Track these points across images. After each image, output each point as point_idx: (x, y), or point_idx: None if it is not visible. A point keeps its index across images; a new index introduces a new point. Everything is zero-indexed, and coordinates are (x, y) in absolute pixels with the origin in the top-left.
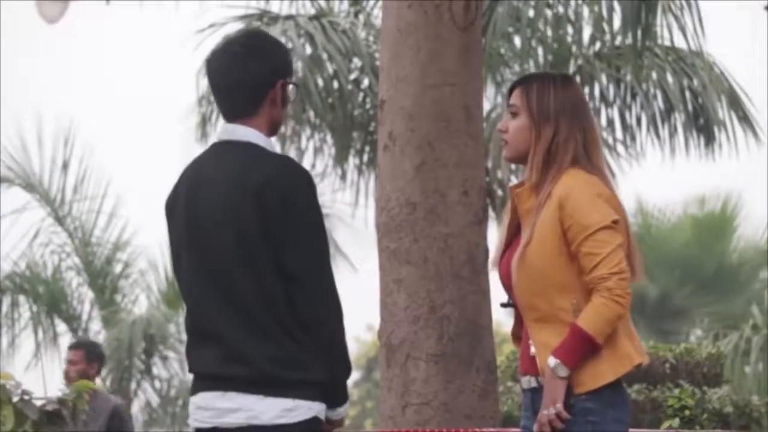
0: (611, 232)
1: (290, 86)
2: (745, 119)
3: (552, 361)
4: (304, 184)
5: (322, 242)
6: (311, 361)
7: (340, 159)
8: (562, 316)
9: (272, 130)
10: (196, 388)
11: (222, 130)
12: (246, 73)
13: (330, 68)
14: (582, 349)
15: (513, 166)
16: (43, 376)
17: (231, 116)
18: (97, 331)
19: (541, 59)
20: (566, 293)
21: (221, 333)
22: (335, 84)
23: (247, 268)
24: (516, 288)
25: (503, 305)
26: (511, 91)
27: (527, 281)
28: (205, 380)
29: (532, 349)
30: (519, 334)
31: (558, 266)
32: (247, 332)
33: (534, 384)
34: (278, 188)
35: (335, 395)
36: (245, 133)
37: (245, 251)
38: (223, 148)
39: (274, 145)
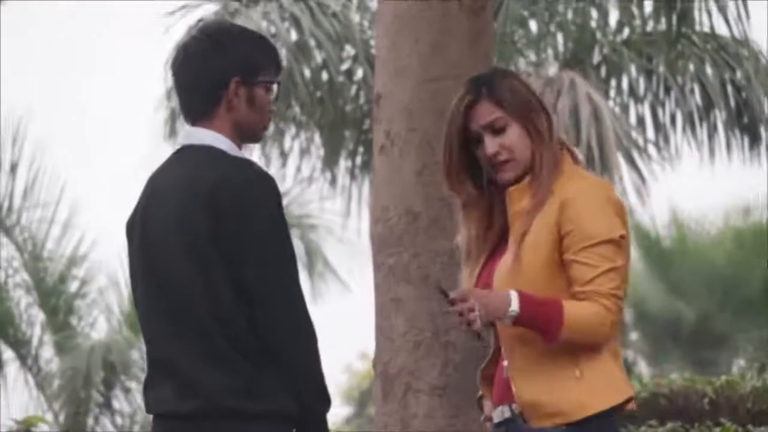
0: (616, 248)
1: (259, 86)
2: None
3: (513, 295)
4: (264, 187)
5: (284, 255)
6: (278, 390)
7: (330, 161)
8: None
9: (241, 134)
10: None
11: (181, 134)
12: (197, 71)
13: (318, 57)
14: (543, 320)
15: None
16: None
17: (189, 118)
18: (48, 359)
19: (560, 47)
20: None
21: (176, 364)
22: (324, 75)
23: (202, 288)
24: None
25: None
26: (468, 115)
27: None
28: (161, 419)
29: (505, 372)
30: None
31: (547, 276)
32: (204, 361)
33: (507, 414)
34: (231, 191)
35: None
36: (203, 136)
37: (199, 269)
38: (180, 153)
39: (237, 150)
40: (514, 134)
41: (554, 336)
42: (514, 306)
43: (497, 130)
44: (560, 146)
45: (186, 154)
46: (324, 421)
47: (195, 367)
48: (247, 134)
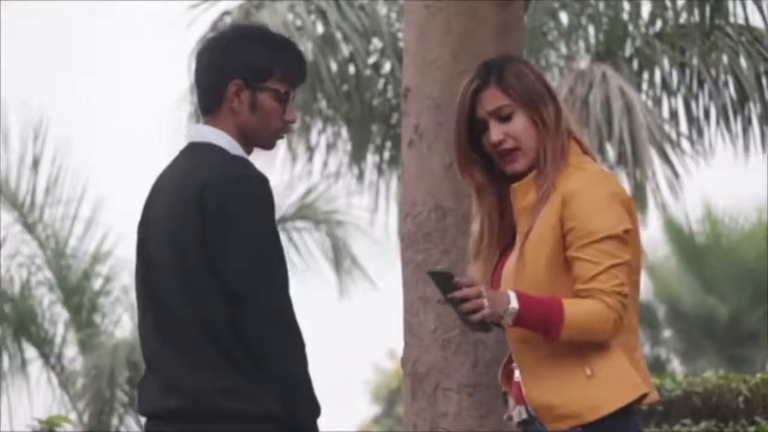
0: (620, 244)
1: (265, 92)
2: None
3: (514, 299)
4: (252, 187)
5: (270, 257)
6: (263, 391)
7: (357, 156)
8: None
9: (245, 138)
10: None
11: (188, 131)
12: (204, 69)
13: (345, 50)
14: (542, 319)
15: None
16: (9, 410)
17: (201, 115)
18: (72, 358)
19: (591, 39)
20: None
21: (164, 365)
22: (351, 69)
23: (187, 288)
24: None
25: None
26: (474, 102)
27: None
28: (148, 419)
29: (516, 373)
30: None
31: (552, 275)
32: (188, 363)
33: (525, 415)
34: (218, 190)
35: None
36: (206, 133)
37: (185, 268)
38: (185, 151)
39: (239, 149)
40: (520, 123)
41: (555, 335)
42: (513, 303)
43: (503, 118)
44: (568, 136)
45: (188, 153)
46: (313, 429)
47: (179, 366)
48: (250, 139)
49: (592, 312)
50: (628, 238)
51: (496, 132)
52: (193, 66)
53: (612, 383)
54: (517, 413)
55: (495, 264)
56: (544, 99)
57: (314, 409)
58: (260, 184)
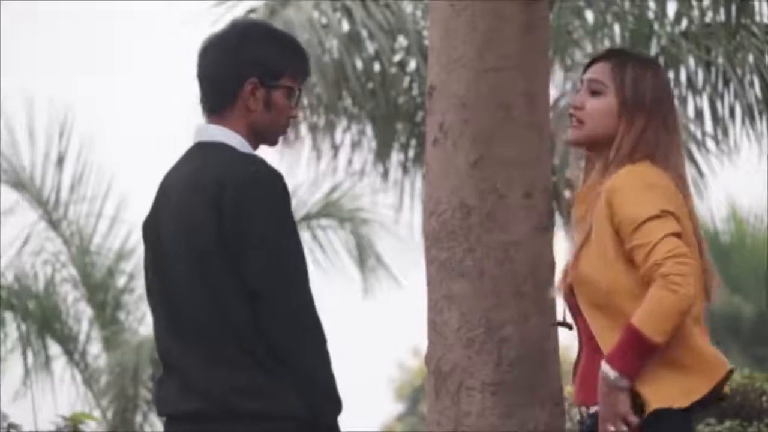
0: (661, 221)
1: (279, 89)
2: None
3: (605, 367)
4: (269, 185)
5: (290, 254)
6: (284, 390)
7: (382, 154)
8: None
9: (255, 135)
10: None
11: (195, 130)
12: (216, 67)
13: (371, 48)
14: (638, 351)
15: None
16: (33, 407)
17: (206, 113)
18: (96, 355)
19: (617, 38)
20: (634, 302)
21: (182, 365)
22: (377, 66)
23: (207, 288)
24: (579, 304)
25: (558, 324)
26: (591, 63)
27: (589, 295)
28: (168, 420)
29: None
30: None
31: (619, 272)
32: (208, 362)
33: (578, 417)
34: (235, 189)
35: None
36: (215, 132)
37: (203, 268)
38: (192, 151)
39: (249, 147)
40: (601, 105)
41: (655, 346)
42: (612, 372)
43: (593, 92)
44: (645, 156)
45: (197, 152)
46: (334, 426)
47: (198, 366)
48: (261, 136)
49: (653, 299)
50: (669, 216)
51: (578, 97)
52: (197, 64)
53: (697, 365)
54: (579, 414)
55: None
56: (643, 106)
57: (335, 406)
58: (276, 181)
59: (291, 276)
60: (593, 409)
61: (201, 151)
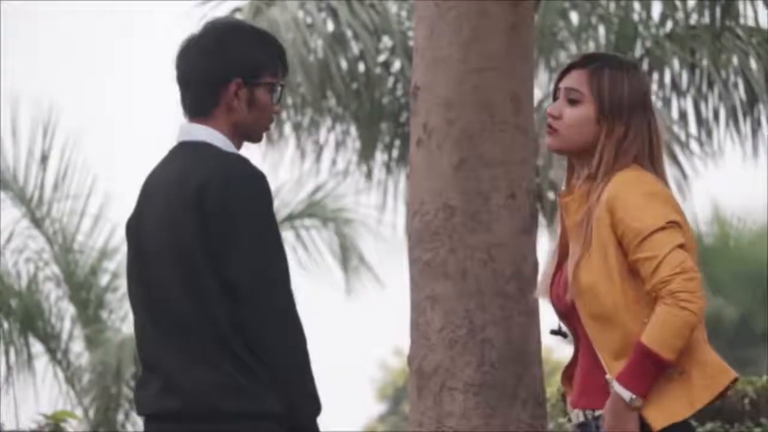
0: (668, 232)
1: (261, 87)
2: None
3: (618, 388)
4: (251, 185)
5: (271, 254)
6: (265, 390)
7: (366, 155)
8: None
9: (239, 134)
10: None
11: (178, 130)
12: (197, 68)
13: (355, 48)
14: (651, 370)
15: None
16: (15, 405)
17: (187, 114)
18: (78, 353)
19: (602, 40)
20: (636, 314)
21: (163, 364)
22: (361, 67)
23: (188, 288)
24: (580, 314)
25: (554, 332)
26: (567, 71)
27: (590, 306)
28: (148, 420)
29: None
30: (572, 374)
31: (622, 283)
32: (190, 361)
33: (581, 419)
34: (217, 189)
35: None
36: (198, 132)
37: (184, 267)
38: (175, 151)
39: (232, 147)
40: (579, 114)
41: (666, 364)
42: (625, 392)
43: (570, 100)
44: (634, 160)
45: (180, 151)
46: (313, 426)
47: (180, 365)
48: (245, 135)
49: (662, 317)
50: (676, 227)
51: (555, 106)
52: (175, 66)
53: (702, 375)
54: (575, 416)
55: (554, 272)
56: (622, 112)
57: (315, 406)
58: (259, 181)
59: (272, 276)
60: (598, 412)
61: (184, 150)
